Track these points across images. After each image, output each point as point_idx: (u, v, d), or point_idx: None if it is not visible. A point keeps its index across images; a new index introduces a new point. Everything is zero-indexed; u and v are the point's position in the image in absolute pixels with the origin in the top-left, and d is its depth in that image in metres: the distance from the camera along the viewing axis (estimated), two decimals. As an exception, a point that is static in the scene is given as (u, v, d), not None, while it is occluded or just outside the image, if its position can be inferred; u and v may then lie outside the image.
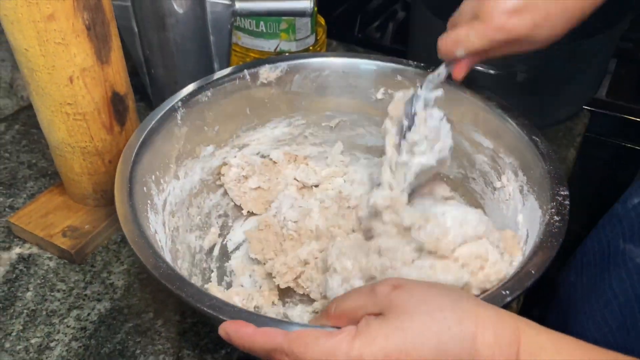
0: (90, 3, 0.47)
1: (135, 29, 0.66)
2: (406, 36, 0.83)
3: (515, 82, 0.65)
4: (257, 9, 0.64)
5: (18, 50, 0.48)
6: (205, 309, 0.35)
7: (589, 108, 0.78)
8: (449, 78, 0.49)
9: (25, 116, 0.75)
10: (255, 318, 0.35)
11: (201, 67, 0.68)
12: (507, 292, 0.37)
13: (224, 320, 0.35)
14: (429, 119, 0.46)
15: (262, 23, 0.75)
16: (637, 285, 0.49)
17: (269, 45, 0.77)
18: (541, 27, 0.41)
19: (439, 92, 0.47)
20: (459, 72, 0.47)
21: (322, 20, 0.84)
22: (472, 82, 0.53)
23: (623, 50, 0.85)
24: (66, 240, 0.56)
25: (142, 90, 0.74)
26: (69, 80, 0.49)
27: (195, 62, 0.67)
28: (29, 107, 0.76)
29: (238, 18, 0.76)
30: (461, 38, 0.43)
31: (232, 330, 0.34)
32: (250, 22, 0.76)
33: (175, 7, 0.61)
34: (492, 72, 0.64)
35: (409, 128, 0.46)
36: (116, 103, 0.54)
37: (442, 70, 0.48)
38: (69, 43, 0.48)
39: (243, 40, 0.78)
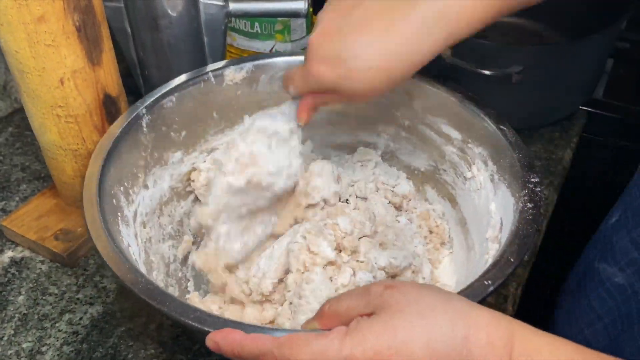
0: (80, 4, 0.47)
1: (129, 30, 0.65)
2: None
3: (510, 82, 0.65)
4: (251, 9, 0.64)
5: (8, 52, 0.48)
6: (190, 322, 0.35)
7: (585, 108, 0.77)
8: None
9: (19, 118, 0.74)
10: (244, 328, 0.34)
11: (195, 68, 0.67)
12: (489, 282, 0.38)
13: (207, 332, 0.34)
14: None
15: (257, 24, 0.75)
16: (622, 306, 0.48)
17: (264, 46, 0.77)
18: (347, 80, 0.42)
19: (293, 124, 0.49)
20: (300, 112, 0.49)
21: (317, 21, 0.83)
22: (440, 75, 0.54)
23: (620, 50, 0.85)
24: (59, 243, 0.56)
25: (136, 92, 0.73)
26: (60, 82, 0.49)
27: (189, 63, 0.67)
28: (23, 109, 0.75)
29: (233, 19, 0.75)
30: (291, 77, 0.47)
31: (219, 338, 0.34)
32: (245, 23, 0.75)
33: (168, 8, 0.61)
34: (487, 72, 0.64)
35: None
36: (108, 105, 0.53)
37: (290, 104, 0.49)
38: (59, 45, 0.47)
39: (238, 41, 0.78)
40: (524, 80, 0.65)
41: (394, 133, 0.60)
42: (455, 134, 0.54)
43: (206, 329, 0.34)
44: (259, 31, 0.76)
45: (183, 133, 0.55)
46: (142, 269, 0.46)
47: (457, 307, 0.32)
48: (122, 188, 0.48)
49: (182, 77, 0.55)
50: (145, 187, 0.51)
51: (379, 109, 0.58)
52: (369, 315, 0.32)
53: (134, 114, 0.50)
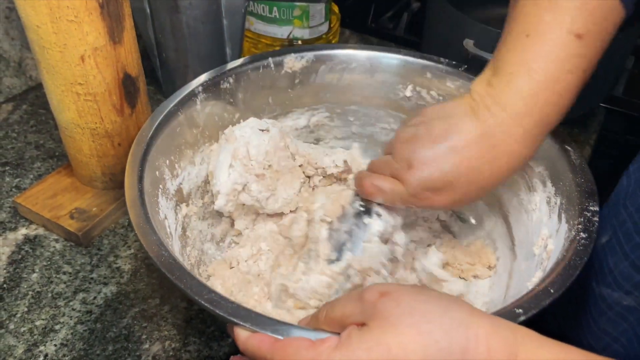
0: (104, -19, 0.46)
1: (148, 11, 0.65)
2: (420, 27, 0.81)
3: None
4: (272, -7, 0.63)
5: (29, 27, 0.48)
6: (202, 302, 0.35)
7: (605, 105, 0.76)
8: None
9: (34, 96, 0.74)
10: (253, 316, 0.34)
11: (213, 51, 0.67)
12: (521, 310, 0.35)
13: (220, 315, 0.34)
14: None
15: (275, 9, 0.74)
16: (637, 326, 0.46)
17: (281, 31, 0.76)
18: (460, 202, 0.43)
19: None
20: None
21: (336, 8, 0.82)
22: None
23: (641, 48, 0.84)
24: (73, 222, 0.56)
25: (152, 74, 0.73)
26: (81, 60, 0.49)
27: (207, 46, 0.66)
28: (38, 86, 0.75)
29: (251, 3, 0.75)
30: (385, 190, 0.44)
31: (230, 330, 0.35)
32: (263, 7, 0.75)
33: (189, -11, 0.60)
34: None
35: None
36: (127, 84, 0.53)
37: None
38: (81, 21, 0.47)
39: (255, 25, 0.77)
40: (545, 74, 0.64)
41: None
42: None
43: (218, 311, 0.34)
44: (277, 16, 0.75)
45: (237, 115, 0.55)
46: (176, 242, 0.46)
47: (456, 318, 0.30)
48: (167, 161, 0.48)
49: (242, 60, 0.54)
50: (192, 163, 0.51)
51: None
52: (362, 325, 0.31)
53: (189, 90, 0.50)
